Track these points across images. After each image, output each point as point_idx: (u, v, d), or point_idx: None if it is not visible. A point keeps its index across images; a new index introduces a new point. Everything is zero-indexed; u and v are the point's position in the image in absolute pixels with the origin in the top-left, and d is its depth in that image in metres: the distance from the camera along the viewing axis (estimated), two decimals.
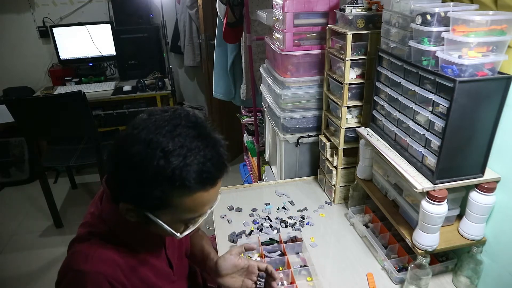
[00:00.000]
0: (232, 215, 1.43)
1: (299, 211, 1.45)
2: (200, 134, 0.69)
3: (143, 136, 0.66)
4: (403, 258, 1.14)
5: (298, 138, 1.56)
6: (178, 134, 0.67)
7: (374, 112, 1.23)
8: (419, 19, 0.92)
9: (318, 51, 1.49)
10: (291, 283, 1.09)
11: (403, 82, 1.03)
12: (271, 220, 1.39)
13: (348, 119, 1.35)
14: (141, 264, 0.83)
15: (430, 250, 0.99)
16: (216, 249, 1.28)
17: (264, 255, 1.18)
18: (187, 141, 0.67)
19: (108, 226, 0.80)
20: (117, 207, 0.74)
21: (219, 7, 2.25)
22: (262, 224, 1.36)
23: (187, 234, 0.79)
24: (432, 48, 0.90)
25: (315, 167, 1.65)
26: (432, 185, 0.95)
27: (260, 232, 1.33)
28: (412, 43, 0.96)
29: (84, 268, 0.74)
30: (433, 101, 0.92)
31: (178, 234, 0.76)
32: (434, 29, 0.89)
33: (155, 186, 0.66)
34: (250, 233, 1.32)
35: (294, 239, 1.25)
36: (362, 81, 1.29)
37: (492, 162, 0.97)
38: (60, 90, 3.05)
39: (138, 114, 0.73)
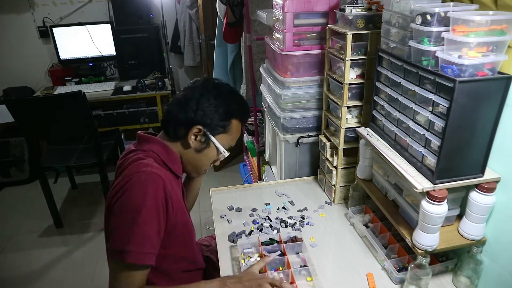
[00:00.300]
0: (232, 215, 1.44)
1: (299, 211, 1.45)
2: (237, 92, 1.14)
3: (210, 86, 1.07)
4: (403, 258, 1.14)
5: (298, 138, 1.56)
6: (230, 88, 1.11)
7: (374, 112, 1.23)
8: (419, 19, 0.92)
9: (318, 51, 1.49)
10: (291, 283, 1.09)
11: (403, 82, 1.03)
12: (271, 220, 1.39)
13: (348, 119, 1.35)
14: (179, 190, 1.11)
15: (430, 250, 0.99)
16: (216, 249, 1.28)
17: (264, 255, 1.18)
18: (234, 92, 1.12)
19: (156, 154, 1.04)
20: (162, 144, 1.06)
21: (219, 7, 2.25)
22: (262, 224, 1.36)
23: (225, 157, 1.13)
24: (432, 48, 0.90)
25: (315, 167, 1.65)
26: (432, 185, 0.95)
27: (260, 232, 1.32)
28: (412, 43, 0.96)
29: (147, 169, 0.95)
30: (433, 101, 0.92)
31: (227, 153, 1.11)
32: (434, 29, 0.89)
33: (223, 116, 1.05)
34: (250, 233, 1.32)
35: (294, 239, 1.25)
36: (362, 81, 1.29)
37: (492, 162, 0.97)
38: (60, 90, 3.05)
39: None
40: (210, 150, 1.09)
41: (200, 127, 1.04)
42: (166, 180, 0.98)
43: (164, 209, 0.96)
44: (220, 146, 1.09)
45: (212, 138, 1.06)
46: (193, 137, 1.05)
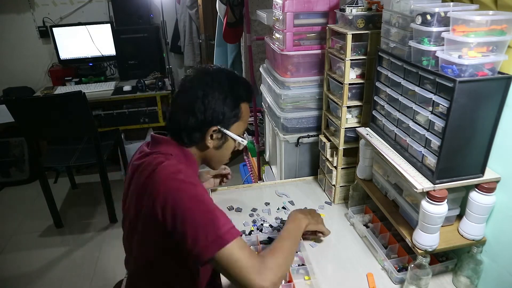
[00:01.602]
0: (232, 215, 1.43)
1: None
2: (234, 73, 1.08)
3: (209, 79, 1.01)
4: (403, 258, 1.14)
5: (298, 138, 1.56)
6: (227, 72, 1.06)
7: (374, 112, 1.23)
8: (419, 19, 0.92)
9: (318, 51, 1.49)
10: (289, 281, 1.09)
11: (403, 82, 1.03)
12: (271, 220, 1.39)
13: (348, 119, 1.35)
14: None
15: (430, 250, 0.99)
16: None
17: None
18: (232, 74, 1.06)
19: (176, 158, 1.01)
20: (177, 147, 1.03)
21: (219, 7, 2.25)
22: (262, 224, 1.36)
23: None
24: (432, 48, 0.90)
25: (315, 167, 1.65)
26: (432, 185, 0.95)
27: (260, 232, 1.32)
28: (412, 43, 0.96)
29: (179, 167, 0.94)
30: (433, 101, 0.92)
31: (245, 140, 1.09)
32: (434, 29, 0.89)
33: (231, 106, 1.01)
34: (250, 233, 1.32)
35: None
36: (362, 81, 1.29)
37: (492, 162, 0.97)
38: (60, 90, 3.05)
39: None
40: (229, 143, 1.08)
41: (215, 127, 1.01)
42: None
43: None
44: (237, 137, 1.07)
45: (228, 132, 1.04)
46: (209, 138, 1.03)
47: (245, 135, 1.14)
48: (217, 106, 0.99)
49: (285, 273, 1.05)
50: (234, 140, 1.07)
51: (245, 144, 1.10)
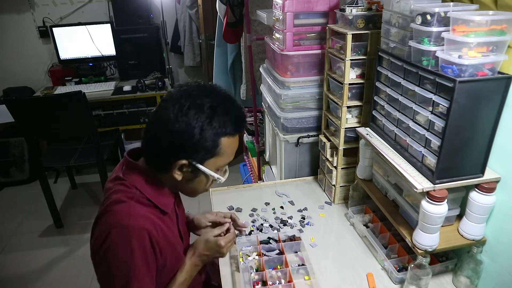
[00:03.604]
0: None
1: (299, 211, 1.45)
2: (226, 97, 0.90)
3: (187, 104, 0.84)
4: (403, 258, 1.14)
5: (298, 138, 1.56)
6: (216, 96, 0.87)
7: (374, 112, 1.23)
8: (419, 19, 0.92)
9: (318, 51, 1.49)
10: (289, 281, 1.09)
11: (403, 82, 1.03)
12: (271, 220, 1.39)
13: (348, 119, 1.35)
14: (167, 227, 0.96)
15: (430, 250, 0.99)
16: None
17: (262, 253, 1.18)
18: (221, 100, 0.88)
19: (140, 191, 0.91)
20: (148, 175, 0.92)
21: (219, 7, 2.25)
22: (262, 224, 1.36)
23: (224, 179, 0.97)
24: (432, 48, 0.90)
25: (315, 167, 1.65)
26: (432, 185, 0.95)
27: (260, 232, 1.33)
28: (412, 43, 0.96)
29: (128, 223, 0.84)
30: (433, 101, 0.92)
31: (222, 178, 0.95)
32: (434, 29, 0.89)
33: (208, 139, 0.85)
34: (250, 233, 1.32)
35: (292, 238, 1.25)
36: (362, 81, 1.29)
37: (492, 162, 0.97)
38: (60, 90, 3.05)
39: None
40: (201, 179, 0.93)
41: (184, 161, 0.87)
42: (151, 225, 0.88)
43: (153, 257, 0.89)
44: (213, 173, 0.91)
45: (202, 167, 0.89)
46: (177, 170, 0.89)
47: (225, 169, 0.98)
48: (187, 140, 0.84)
49: None
50: (209, 175, 0.92)
51: (222, 181, 0.96)
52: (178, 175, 0.90)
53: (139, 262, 0.85)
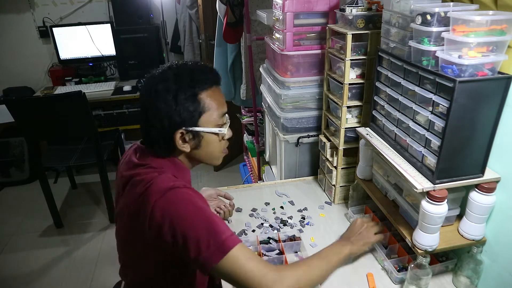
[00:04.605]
0: (232, 215, 1.43)
1: (299, 211, 1.45)
2: (185, 63, 0.97)
3: (154, 86, 0.91)
4: (403, 258, 1.14)
5: (298, 138, 1.56)
6: (176, 67, 0.94)
7: (374, 112, 1.23)
8: (419, 19, 0.92)
9: (318, 51, 1.49)
10: None
11: (403, 82, 1.03)
12: (271, 220, 1.39)
13: (348, 119, 1.35)
14: None
15: (430, 250, 0.99)
16: None
17: (262, 253, 1.18)
18: (182, 65, 0.95)
19: (169, 172, 0.94)
20: (163, 157, 0.96)
21: (219, 7, 2.25)
22: (262, 224, 1.36)
23: (229, 133, 1.01)
24: (432, 48, 0.90)
25: (315, 167, 1.65)
26: (432, 185, 0.95)
27: (260, 232, 1.32)
28: (412, 43, 0.96)
29: (175, 184, 0.87)
30: (433, 101, 0.92)
31: (224, 129, 0.98)
32: (434, 29, 0.89)
33: (187, 101, 0.90)
34: (251, 232, 1.32)
35: (292, 238, 1.25)
36: (362, 81, 1.29)
37: (492, 162, 0.97)
38: (60, 90, 3.06)
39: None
40: (207, 138, 0.96)
41: (180, 131, 0.92)
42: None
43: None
44: (213, 129, 0.95)
45: (199, 128, 0.93)
46: (181, 142, 0.94)
47: (226, 117, 0.99)
48: (169, 111, 0.89)
49: None
50: (211, 132, 0.96)
51: (225, 132, 0.99)
52: (185, 147, 0.95)
53: (204, 205, 0.88)
